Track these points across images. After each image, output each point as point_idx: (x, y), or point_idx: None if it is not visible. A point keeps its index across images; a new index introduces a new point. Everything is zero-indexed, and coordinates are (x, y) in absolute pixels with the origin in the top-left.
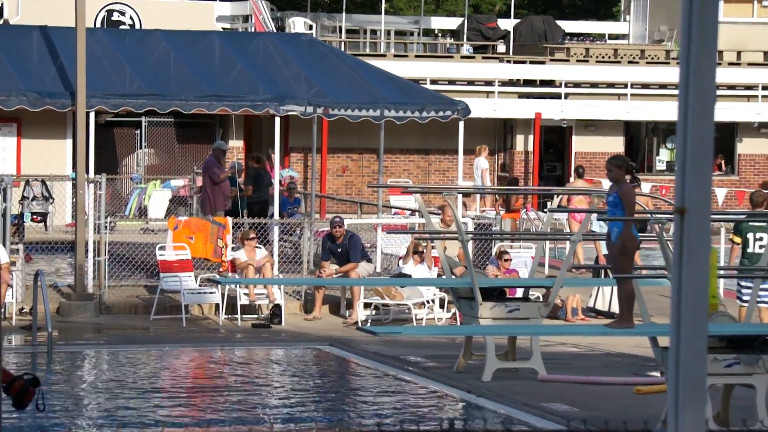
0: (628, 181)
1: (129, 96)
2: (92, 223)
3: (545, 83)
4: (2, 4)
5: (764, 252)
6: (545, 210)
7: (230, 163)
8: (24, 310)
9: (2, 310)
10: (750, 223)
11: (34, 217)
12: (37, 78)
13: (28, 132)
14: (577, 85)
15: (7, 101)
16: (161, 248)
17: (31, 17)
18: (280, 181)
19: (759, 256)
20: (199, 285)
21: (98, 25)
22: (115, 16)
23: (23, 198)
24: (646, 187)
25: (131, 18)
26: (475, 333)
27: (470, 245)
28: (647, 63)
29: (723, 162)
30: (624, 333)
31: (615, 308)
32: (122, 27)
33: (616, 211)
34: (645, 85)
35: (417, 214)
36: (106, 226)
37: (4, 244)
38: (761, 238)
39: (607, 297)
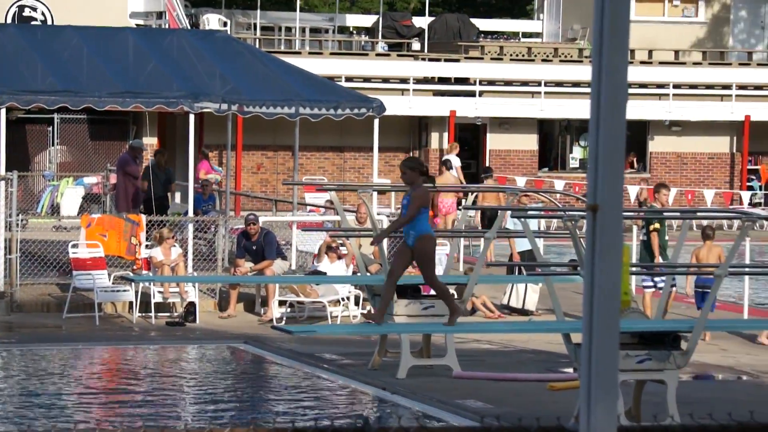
0: (422, 183)
1: (41, 92)
2: (3, 221)
3: (460, 81)
4: None
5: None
6: (459, 207)
7: (149, 161)
8: None
9: None
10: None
11: None
12: None
13: None
14: (491, 83)
15: None
16: (74, 246)
17: None
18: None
19: (642, 243)
20: (113, 283)
21: (9, 20)
22: (27, 12)
23: None
24: (559, 184)
25: (43, 14)
26: (389, 331)
27: (385, 243)
28: (560, 61)
29: (635, 160)
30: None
31: (528, 305)
32: (34, 23)
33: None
34: (558, 83)
35: (332, 211)
36: (17, 224)
37: None
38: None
39: (521, 294)
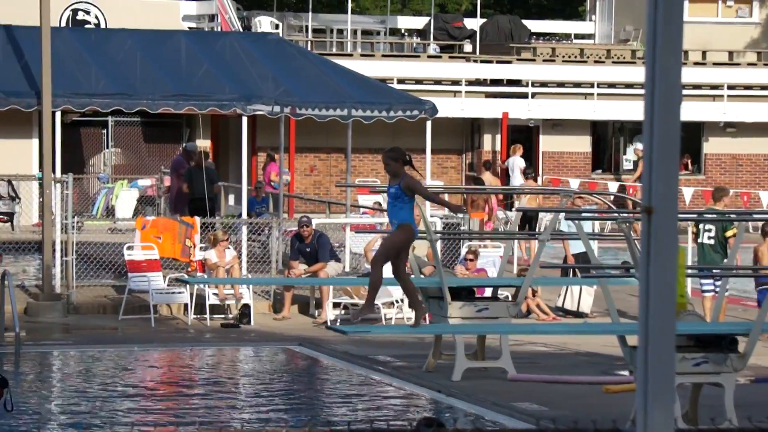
0: (406, 172)
1: (95, 95)
2: (59, 223)
3: (512, 83)
4: None
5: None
6: (513, 209)
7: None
8: None
9: None
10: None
11: (1, 216)
12: (1, 77)
13: None
14: (543, 84)
15: None
16: (129, 248)
17: None
18: (258, 183)
19: (708, 247)
20: (168, 285)
21: (63, 24)
22: (80, 16)
23: None
24: (612, 186)
25: (96, 17)
26: (444, 332)
27: (439, 245)
28: (613, 63)
29: (689, 161)
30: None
31: (583, 307)
32: (87, 26)
33: (398, 203)
34: (611, 85)
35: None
36: (73, 226)
37: None
38: (710, 230)
39: (575, 296)
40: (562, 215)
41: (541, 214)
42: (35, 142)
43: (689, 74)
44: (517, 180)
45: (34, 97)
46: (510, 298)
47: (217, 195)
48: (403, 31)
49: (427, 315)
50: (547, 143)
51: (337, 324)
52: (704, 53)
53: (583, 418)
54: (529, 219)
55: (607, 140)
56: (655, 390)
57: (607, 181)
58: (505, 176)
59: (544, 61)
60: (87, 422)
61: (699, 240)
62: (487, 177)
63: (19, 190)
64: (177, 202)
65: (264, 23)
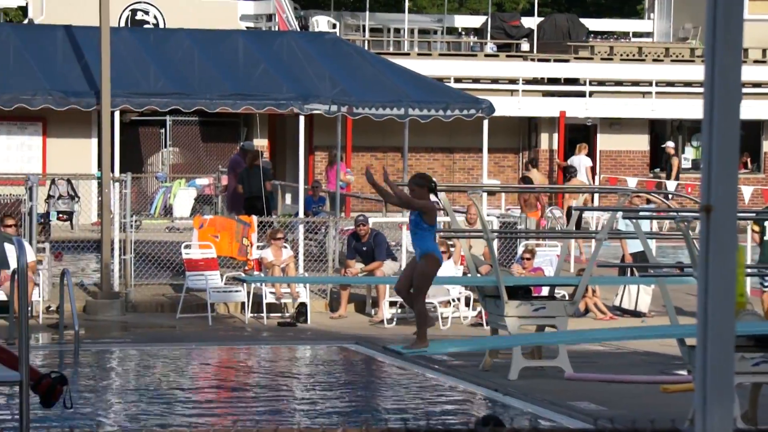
0: (431, 200)
1: (154, 95)
2: (118, 222)
3: (569, 81)
4: (27, 3)
5: None
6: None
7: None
8: (51, 309)
9: (29, 308)
10: None
11: (60, 215)
12: (61, 77)
13: (54, 131)
14: (601, 83)
15: (33, 101)
16: (187, 247)
17: (55, 17)
18: (315, 182)
19: None
20: (225, 283)
21: (122, 24)
22: (139, 16)
23: (49, 197)
24: (671, 185)
25: (155, 17)
26: (499, 346)
27: (495, 243)
28: (672, 61)
29: (749, 160)
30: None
31: (641, 307)
32: (146, 26)
33: (418, 231)
34: (670, 83)
35: (442, 212)
36: (131, 225)
37: (30, 243)
38: None
39: (633, 295)
40: (620, 214)
41: (597, 213)
42: (94, 141)
43: (749, 72)
44: (582, 179)
45: (93, 97)
46: (567, 297)
47: (272, 193)
48: (460, 29)
49: (483, 313)
50: (604, 142)
51: (393, 323)
52: (764, 51)
53: (641, 417)
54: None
55: (665, 139)
56: (713, 390)
57: (665, 180)
58: (562, 174)
59: (601, 59)
60: (144, 420)
61: (765, 238)
62: (534, 175)
63: (78, 189)
64: (234, 201)
65: (321, 22)
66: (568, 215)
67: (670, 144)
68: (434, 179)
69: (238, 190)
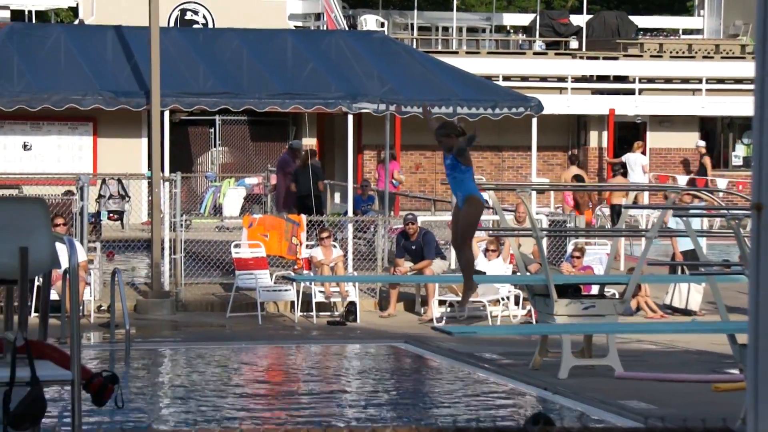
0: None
1: (203, 94)
2: (168, 221)
3: (618, 79)
4: (77, 4)
5: None
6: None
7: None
8: (102, 308)
9: (80, 308)
10: None
11: (111, 215)
12: (112, 77)
13: (104, 131)
14: (650, 80)
15: (83, 101)
16: (236, 246)
17: (105, 17)
18: (365, 181)
19: None
20: (275, 282)
21: (172, 24)
22: (189, 16)
23: (100, 197)
24: (721, 182)
25: (204, 17)
26: (550, 332)
27: (544, 242)
28: (722, 58)
29: None
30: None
31: (692, 305)
32: (195, 26)
33: (456, 173)
34: (720, 80)
35: (490, 210)
36: (181, 224)
37: (81, 243)
38: None
39: (684, 294)
40: (670, 212)
41: (647, 212)
42: (144, 141)
43: None
44: (637, 177)
45: (143, 97)
46: (617, 296)
47: (322, 192)
48: (508, 28)
49: (533, 312)
50: (654, 140)
51: (443, 322)
52: None
53: (692, 416)
54: (618, 216)
55: (715, 136)
56: (765, 388)
57: (716, 178)
58: (610, 171)
59: (651, 56)
60: (195, 419)
61: None
62: (574, 171)
63: (128, 188)
64: (283, 200)
65: (370, 21)
66: (614, 213)
67: (701, 143)
68: (460, 124)
69: (292, 189)
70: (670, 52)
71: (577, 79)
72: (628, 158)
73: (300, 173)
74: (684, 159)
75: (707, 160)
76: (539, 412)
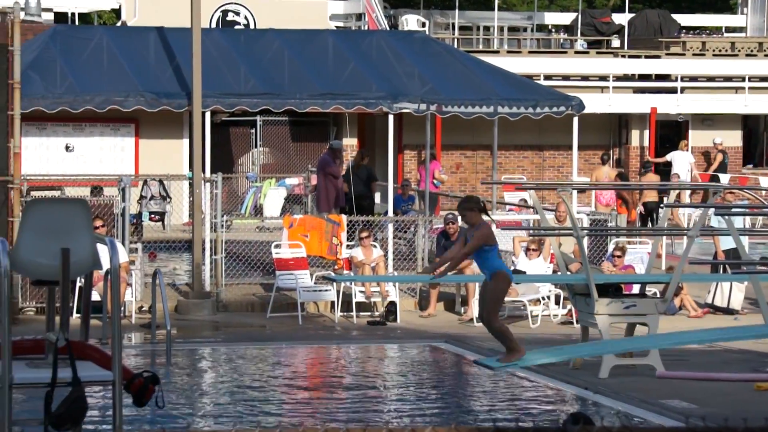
0: (483, 220)
1: (244, 95)
2: (209, 222)
3: (661, 78)
4: (120, 6)
5: None
6: (661, 205)
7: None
8: (143, 309)
9: (122, 308)
10: None
11: (152, 216)
12: (154, 79)
13: (146, 132)
14: (693, 79)
15: (125, 102)
16: (277, 246)
17: (148, 19)
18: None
19: None
20: (315, 283)
21: (213, 25)
22: (230, 17)
23: (141, 197)
24: (764, 181)
25: (246, 18)
26: (592, 354)
27: (585, 241)
28: (765, 56)
29: None
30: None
31: (734, 304)
32: (237, 27)
33: (482, 253)
34: (763, 78)
35: (531, 210)
36: (222, 225)
37: (123, 244)
38: None
39: (726, 292)
40: (712, 210)
41: (689, 210)
42: (186, 142)
43: None
44: (683, 175)
45: (184, 98)
46: (658, 295)
47: (372, 194)
48: (550, 27)
49: (573, 311)
50: (696, 138)
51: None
52: None
53: (734, 415)
54: (650, 214)
55: (758, 134)
56: None
57: (759, 176)
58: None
59: (693, 55)
60: (236, 419)
61: None
62: (606, 171)
63: (170, 189)
64: (331, 200)
65: (411, 21)
66: (646, 212)
67: (717, 140)
68: (481, 199)
69: (344, 189)
70: (713, 51)
71: (618, 78)
72: (673, 156)
73: (354, 174)
74: (705, 151)
75: (718, 156)
76: (578, 411)
